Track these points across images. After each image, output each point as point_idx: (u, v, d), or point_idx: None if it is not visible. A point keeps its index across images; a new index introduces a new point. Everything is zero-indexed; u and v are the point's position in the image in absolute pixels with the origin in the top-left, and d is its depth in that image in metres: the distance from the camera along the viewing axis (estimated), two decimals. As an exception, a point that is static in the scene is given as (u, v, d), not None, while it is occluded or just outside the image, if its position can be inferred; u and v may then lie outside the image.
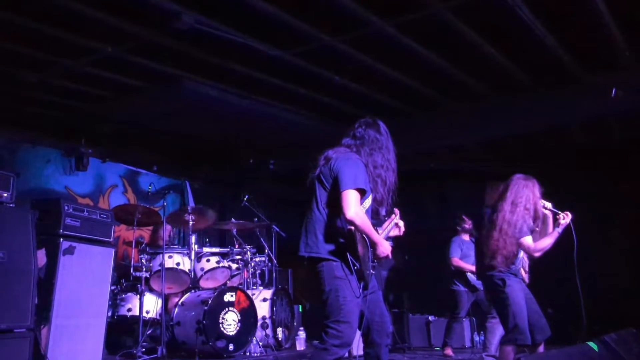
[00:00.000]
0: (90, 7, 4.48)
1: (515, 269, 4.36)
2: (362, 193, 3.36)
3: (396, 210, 3.66)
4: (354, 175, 3.33)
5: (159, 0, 4.36)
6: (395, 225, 3.69)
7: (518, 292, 4.25)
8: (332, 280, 3.29)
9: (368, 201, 3.48)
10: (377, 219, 3.58)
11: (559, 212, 4.32)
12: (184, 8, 4.47)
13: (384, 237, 3.56)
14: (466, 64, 5.92)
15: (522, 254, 4.44)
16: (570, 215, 4.25)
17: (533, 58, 5.79)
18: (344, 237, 3.32)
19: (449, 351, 7.11)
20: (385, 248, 3.43)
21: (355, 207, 3.26)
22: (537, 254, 4.29)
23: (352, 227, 3.27)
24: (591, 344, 3.56)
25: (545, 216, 4.39)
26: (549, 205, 4.38)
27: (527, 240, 4.24)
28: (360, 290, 3.32)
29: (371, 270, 3.39)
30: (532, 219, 4.33)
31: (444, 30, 5.06)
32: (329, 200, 3.42)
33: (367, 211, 3.44)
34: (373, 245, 3.40)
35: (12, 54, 5.28)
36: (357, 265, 3.28)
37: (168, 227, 6.95)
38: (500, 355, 4.27)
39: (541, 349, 4.28)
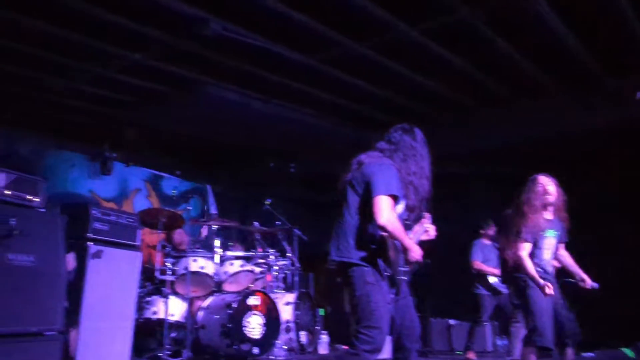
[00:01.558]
0: (119, 15, 4.55)
1: (541, 268, 4.30)
2: (395, 199, 3.33)
3: (426, 215, 3.61)
4: (387, 181, 3.31)
5: (188, 8, 4.40)
6: (425, 230, 3.67)
7: (541, 294, 4.18)
8: (364, 286, 3.28)
9: (400, 207, 3.46)
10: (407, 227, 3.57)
11: None
12: (212, 15, 4.51)
13: (414, 242, 3.55)
14: (491, 68, 5.90)
15: (544, 253, 4.36)
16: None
17: (557, 62, 5.75)
18: (376, 243, 3.32)
19: (471, 355, 7.05)
20: (416, 253, 3.39)
21: (387, 213, 3.24)
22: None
23: (384, 233, 3.26)
24: (626, 350, 3.51)
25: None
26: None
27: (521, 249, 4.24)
28: (392, 296, 3.32)
29: (402, 276, 3.38)
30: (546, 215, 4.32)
31: (469, 34, 5.06)
32: (361, 205, 3.40)
33: (399, 217, 3.41)
34: (405, 250, 3.37)
35: (41, 60, 5.38)
36: (389, 271, 3.28)
37: (182, 231, 7.00)
38: (521, 355, 4.25)
39: (570, 353, 4.24)
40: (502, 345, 7.96)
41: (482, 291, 7.05)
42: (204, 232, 7.22)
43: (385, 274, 3.28)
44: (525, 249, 4.25)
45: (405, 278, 3.43)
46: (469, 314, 7.39)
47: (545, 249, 4.36)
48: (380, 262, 3.28)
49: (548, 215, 4.38)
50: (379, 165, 3.41)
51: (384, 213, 3.23)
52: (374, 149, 3.58)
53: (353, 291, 3.33)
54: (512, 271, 4.35)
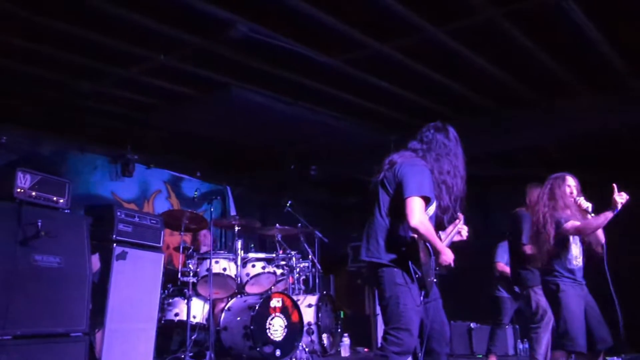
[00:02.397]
0: (146, 16, 4.54)
1: (571, 269, 4.21)
2: (427, 201, 3.30)
3: (460, 216, 3.58)
4: (419, 181, 3.28)
5: (215, 9, 4.38)
6: (458, 231, 3.63)
7: (572, 297, 4.12)
8: (393, 287, 3.27)
9: (432, 208, 3.42)
10: (440, 227, 3.54)
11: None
12: (239, 17, 4.50)
13: (447, 243, 3.52)
14: (514, 68, 5.83)
15: (573, 249, 4.27)
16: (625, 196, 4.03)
17: (581, 60, 5.67)
18: (406, 246, 3.29)
19: (493, 359, 6.98)
20: (448, 256, 3.38)
21: (419, 215, 3.21)
22: (584, 233, 4.16)
23: (416, 235, 3.23)
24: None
25: (585, 211, 4.27)
26: (585, 204, 4.23)
27: (569, 223, 4.14)
28: (422, 298, 3.28)
29: (433, 278, 3.35)
30: (571, 214, 4.24)
31: (495, 35, 4.99)
32: (392, 206, 3.38)
33: (430, 218, 3.39)
34: (436, 253, 3.35)
35: (65, 62, 5.38)
36: (419, 273, 3.25)
37: (207, 233, 6.99)
38: (550, 359, 4.21)
39: (600, 358, 4.18)
40: (523, 349, 7.84)
41: (503, 294, 6.99)
42: (207, 241, 7.20)
43: (416, 276, 3.24)
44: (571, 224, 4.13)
45: (436, 280, 3.41)
46: (489, 317, 7.31)
47: (573, 244, 4.27)
48: (410, 264, 3.25)
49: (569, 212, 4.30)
50: (412, 166, 3.37)
51: (416, 215, 3.20)
52: (406, 148, 3.55)
53: (382, 292, 3.32)
54: (542, 274, 4.28)
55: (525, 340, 7.78)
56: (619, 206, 3.90)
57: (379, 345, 3.30)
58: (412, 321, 3.24)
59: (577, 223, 4.12)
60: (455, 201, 3.46)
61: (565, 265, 4.21)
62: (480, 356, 7.69)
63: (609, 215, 3.99)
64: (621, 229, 4.32)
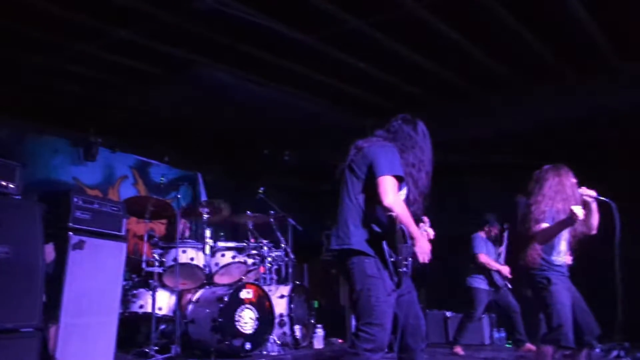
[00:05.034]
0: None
1: (558, 263, 4.10)
2: (400, 181, 3.18)
3: (425, 219, 3.44)
4: (390, 160, 3.18)
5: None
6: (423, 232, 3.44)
7: (563, 291, 4.02)
8: (364, 279, 3.10)
9: (403, 193, 3.28)
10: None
11: (601, 198, 4.03)
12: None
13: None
14: (494, 48, 5.62)
15: (561, 244, 4.15)
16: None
17: (567, 42, 5.48)
18: (381, 226, 3.13)
19: (458, 349, 6.89)
20: (423, 246, 3.21)
21: (392, 195, 3.08)
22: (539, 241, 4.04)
23: (393, 214, 3.06)
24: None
25: (587, 203, 4.10)
26: (590, 192, 4.08)
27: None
28: (393, 287, 3.10)
29: (404, 268, 3.13)
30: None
31: (478, 12, 4.79)
32: (363, 189, 3.24)
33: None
34: (412, 238, 3.16)
35: (15, 35, 5.02)
36: (394, 256, 3.06)
37: (184, 220, 6.74)
38: (538, 353, 4.06)
39: (586, 353, 4.06)
40: (499, 337, 7.82)
41: (481, 285, 6.91)
42: (185, 229, 6.93)
43: (390, 259, 3.06)
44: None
45: (408, 271, 3.21)
46: (465, 306, 7.22)
47: (562, 240, 4.15)
48: (385, 245, 3.06)
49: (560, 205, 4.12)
50: (381, 147, 3.27)
51: (389, 194, 3.07)
52: (372, 136, 3.45)
53: (353, 285, 3.15)
54: (529, 268, 4.12)
55: (502, 329, 7.73)
56: (577, 218, 3.68)
57: (350, 342, 3.12)
58: (385, 315, 3.07)
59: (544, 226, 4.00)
60: (420, 196, 3.35)
61: (554, 258, 4.10)
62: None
63: (565, 224, 3.84)
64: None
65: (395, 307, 3.14)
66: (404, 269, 3.13)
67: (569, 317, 3.93)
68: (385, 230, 3.12)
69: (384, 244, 3.06)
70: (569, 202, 3.99)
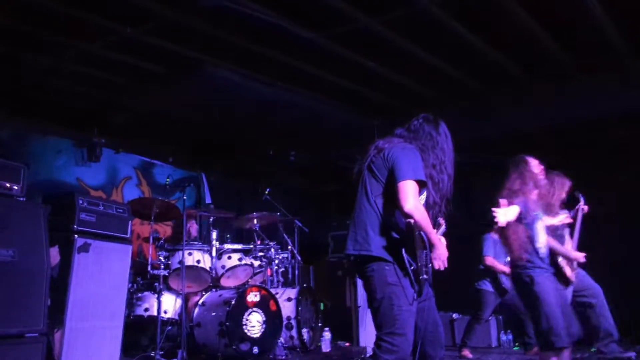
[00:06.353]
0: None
1: (541, 257, 3.99)
2: (421, 185, 3.07)
3: (441, 221, 3.32)
4: (412, 164, 3.05)
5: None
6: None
7: (549, 290, 3.90)
8: (385, 287, 2.99)
9: (423, 197, 3.16)
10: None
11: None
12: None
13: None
14: (506, 47, 5.52)
15: (540, 235, 4.05)
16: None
17: (578, 39, 5.38)
18: (400, 232, 3.02)
19: (466, 352, 6.79)
20: (442, 252, 3.10)
21: (413, 200, 2.97)
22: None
23: (412, 221, 2.95)
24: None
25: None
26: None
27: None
28: (415, 295, 3.00)
29: (425, 276, 3.03)
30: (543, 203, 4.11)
31: (487, 11, 4.69)
32: (383, 193, 3.13)
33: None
34: (431, 245, 3.06)
35: (18, 33, 4.94)
36: (414, 264, 2.96)
37: (194, 221, 6.66)
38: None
39: (567, 353, 3.90)
40: (507, 340, 7.75)
41: (487, 287, 6.84)
42: (193, 231, 6.84)
43: (410, 268, 2.96)
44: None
45: (429, 278, 3.10)
46: (471, 307, 7.15)
47: (541, 232, 4.05)
48: (404, 253, 2.96)
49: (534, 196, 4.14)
50: (403, 149, 3.15)
51: (410, 199, 2.96)
52: (392, 135, 3.34)
53: (373, 293, 3.04)
54: (514, 267, 4.05)
55: (509, 331, 7.64)
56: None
57: (370, 352, 3.03)
58: (408, 324, 2.97)
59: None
60: (441, 200, 3.21)
61: (537, 254, 3.99)
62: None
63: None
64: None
65: (415, 314, 3.05)
66: (425, 276, 3.03)
67: (559, 317, 3.80)
68: (403, 236, 3.02)
69: (403, 251, 2.97)
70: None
